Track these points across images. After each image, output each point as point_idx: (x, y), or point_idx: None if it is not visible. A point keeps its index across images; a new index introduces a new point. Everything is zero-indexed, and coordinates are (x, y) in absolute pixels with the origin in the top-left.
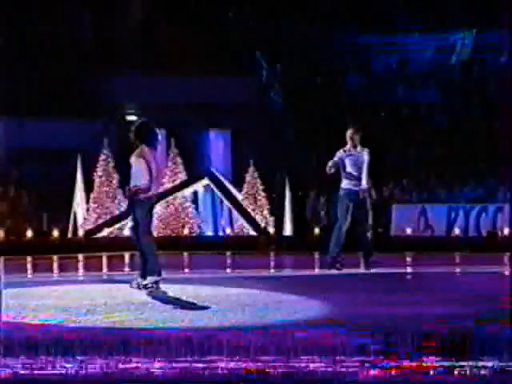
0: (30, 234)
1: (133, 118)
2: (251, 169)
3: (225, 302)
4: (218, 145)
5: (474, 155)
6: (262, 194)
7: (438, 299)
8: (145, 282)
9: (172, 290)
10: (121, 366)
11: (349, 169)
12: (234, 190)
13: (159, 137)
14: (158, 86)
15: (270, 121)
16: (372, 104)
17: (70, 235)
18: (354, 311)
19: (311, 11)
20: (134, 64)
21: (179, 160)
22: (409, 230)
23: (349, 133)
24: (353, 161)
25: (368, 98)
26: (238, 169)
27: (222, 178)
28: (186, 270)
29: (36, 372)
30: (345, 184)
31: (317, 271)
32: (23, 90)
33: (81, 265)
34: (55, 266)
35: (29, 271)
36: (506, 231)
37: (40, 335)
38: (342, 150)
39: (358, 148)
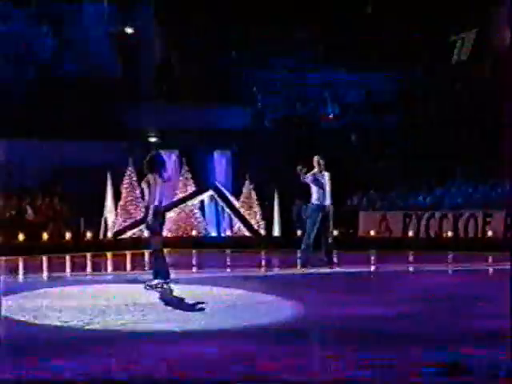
0: (68, 235)
1: (153, 139)
2: (247, 182)
3: (212, 302)
4: (220, 163)
5: (425, 171)
6: (256, 202)
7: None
8: (153, 283)
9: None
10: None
11: (317, 189)
12: (233, 199)
13: (166, 166)
14: (172, 114)
15: (263, 143)
16: (343, 129)
17: (101, 236)
18: (313, 312)
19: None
20: (154, 96)
21: (189, 175)
22: (372, 232)
23: (315, 159)
24: (320, 182)
25: (340, 124)
26: (236, 182)
27: (223, 190)
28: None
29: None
30: (314, 200)
31: (294, 270)
32: (63, 117)
33: (109, 262)
34: (88, 263)
35: (67, 268)
36: (450, 234)
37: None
38: (311, 174)
39: (323, 172)
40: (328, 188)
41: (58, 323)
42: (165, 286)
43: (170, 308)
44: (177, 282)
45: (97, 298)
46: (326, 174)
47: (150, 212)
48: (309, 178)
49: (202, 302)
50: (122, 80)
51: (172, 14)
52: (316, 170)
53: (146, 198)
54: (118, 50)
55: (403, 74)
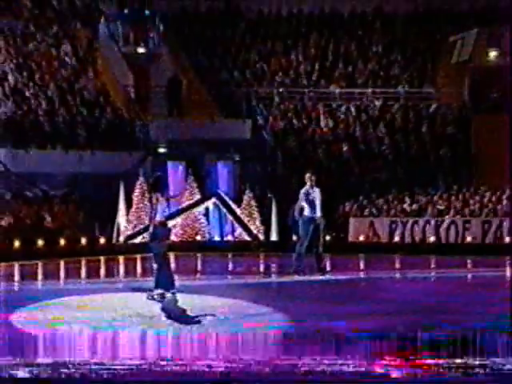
0: (83, 240)
1: (162, 150)
2: (247, 191)
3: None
4: (223, 173)
5: (410, 181)
6: (255, 209)
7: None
8: (154, 294)
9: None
10: None
11: (309, 203)
12: (234, 207)
13: (167, 184)
14: (179, 127)
15: (262, 154)
16: (337, 140)
17: (114, 240)
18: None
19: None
20: (164, 111)
21: (195, 184)
22: (362, 237)
23: (307, 175)
24: (311, 197)
25: (334, 136)
26: (237, 191)
27: (226, 198)
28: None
29: None
30: (307, 213)
31: (289, 278)
32: (81, 130)
33: (120, 268)
34: (101, 269)
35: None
36: (432, 239)
37: None
38: (303, 190)
39: (314, 188)
40: (318, 202)
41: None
42: (168, 295)
43: (170, 321)
44: (181, 291)
45: (104, 309)
46: (317, 190)
47: (150, 229)
48: (300, 195)
49: (201, 315)
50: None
51: (181, 36)
52: (308, 185)
53: (148, 213)
54: (130, 68)
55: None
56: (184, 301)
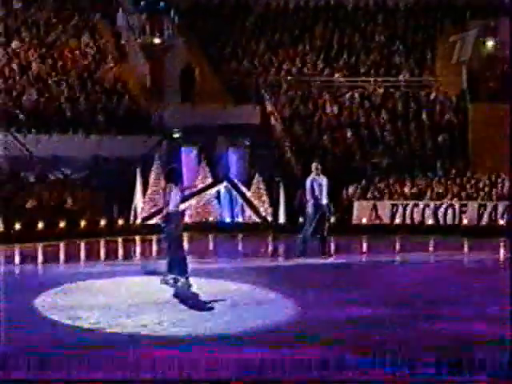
0: (103, 222)
1: (176, 135)
2: (257, 175)
3: (220, 300)
4: (234, 157)
5: (410, 165)
6: (264, 192)
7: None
8: (168, 278)
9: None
10: None
11: (315, 191)
12: (245, 190)
13: (181, 174)
14: (192, 113)
15: (271, 139)
16: (341, 126)
17: (131, 221)
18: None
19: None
20: (178, 98)
21: (207, 168)
22: (364, 219)
23: (313, 165)
24: (317, 185)
25: (338, 122)
26: (247, 174)
27: (236, 181)
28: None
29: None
30: (313, 200)
31: (295, 261)
32: (100, 116)
33: (138, 249)
34: (119, 250)
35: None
36: (430, 221)
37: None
38: (310, 178)
39: (320, 176)
40: (325, 189)
41: (87, 325)
42: (182, 280)
43: (183, 307)
44: (196, 275)
45: (122, 294)
46: (323, 178)
47: (163, 215)
48: (307, 183)
49: (213, 301)
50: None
51: (194, 27)
52: (314, 173)
53: (162, 201)
54: (146, 57)
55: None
56: (196, 285)
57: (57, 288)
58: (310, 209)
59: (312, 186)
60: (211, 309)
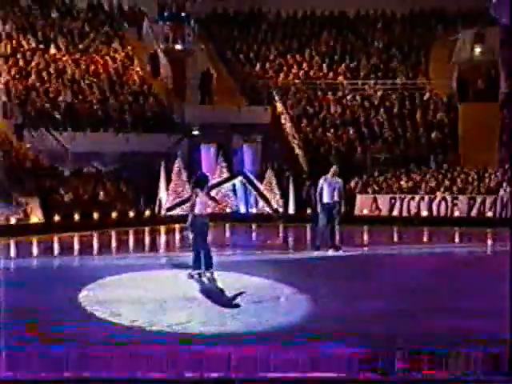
0: (131, 213)
1: (195, 133)
2: (269, 169)
3: (244, 295)
4: (248, 153)
5: (406, 160)
6: (276, 185)
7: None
8: (194, 273)
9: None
10: None
11: (327, 190)
12: (258, 183)
13: (208, 180)
14: (210, 113)
15: (282, 137)
16: (344, 124)
17: (156, 212)
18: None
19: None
20: (197, 99)
21: (224, 164)
22: (365, 211)
23: (333, 168)
24: (329, 185)
25: (341, 120)
26: (260, 169)
27: (250, 176)
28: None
29: None
30: (327, 199)
31: (309, 254)
32: (128, 115)
33: (162, 240)
34: (147, 240)
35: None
36: (425, 213)
37: None
38: (323, 177)
39: (335, 177)
40: (337, 191)
41: (127, 323)
42: (207, 275)
43: (210, 304)
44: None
45: (154, 289)
46: (339, 180)
47: (189, 219)
48: (319, 182)
49: (239, 294)
50: (173, 86)
51: (212, 35)
52: (330, 174)
53: (188, 205)
54: (169, 62)
55: (386, 83)
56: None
57: (96, 282)
58: (319, 209)
59: (322, 187)
60: (237, 305)
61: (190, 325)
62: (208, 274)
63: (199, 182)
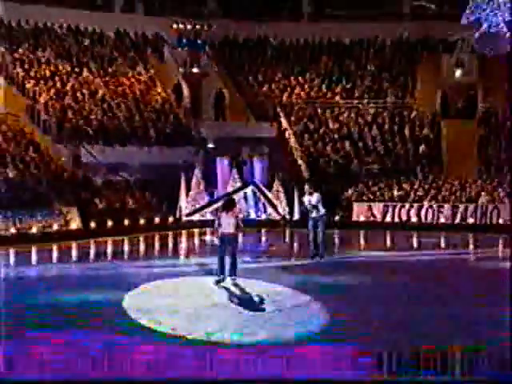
0: (157, 219)
1: (210, 146)
2: (276, 180)
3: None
4: (257, 165)
5: (396, 172)
6: (282, 194)
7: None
8: (219, 279)
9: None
10: None
11: (311, 206)
12: (266, 192)
13: (234, 204)
14: (223, 128)
15: (286, 150)
16: (341, 138)
17: (177, 217)
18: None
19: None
20: (212, 116)
21: (237, 175)
22: (362, 217)
23: (306, 187)
24: (308, 202)
25: (338, 135)
26: (269, 179)
27: (260, 185)
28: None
29: None
30: (312, 214)
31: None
32: (151, 131)
33: (185, 245)
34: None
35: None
36: (414, 220)
37: None
38: (305, 198)
39: (313, 194)
40: (320, 204)
41: (168, 330)
42: (227, 281)
43: (238, 312)
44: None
45: (187, 296)
46: (315, 195)
47: (217, 235)
48: (304, 200)
49: (261, 301)
50: (190, 105)
51: (224, 59)
52: (307, 194)
53: (216, 223)
54: (187, 83)
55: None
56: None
57: (135, 290)
58: (310, 221)
59: (309, 204)
60: (263, 310)
61: (223, 333)
62: (231, 281)
63: (227, 206)
